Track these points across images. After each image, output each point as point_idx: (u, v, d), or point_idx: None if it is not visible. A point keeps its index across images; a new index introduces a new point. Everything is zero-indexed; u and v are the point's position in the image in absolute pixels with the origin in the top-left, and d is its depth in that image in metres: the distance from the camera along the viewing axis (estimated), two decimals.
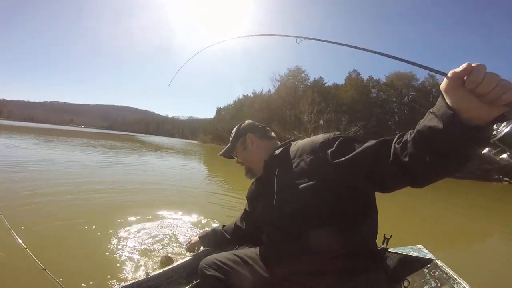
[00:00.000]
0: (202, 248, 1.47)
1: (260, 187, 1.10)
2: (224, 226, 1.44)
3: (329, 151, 0.82)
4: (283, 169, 0.94)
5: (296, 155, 0.92)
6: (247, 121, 1.20)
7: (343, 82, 42.50)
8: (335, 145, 0.81)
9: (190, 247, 1.50)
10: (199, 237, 1.49)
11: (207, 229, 1.48)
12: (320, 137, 0.90)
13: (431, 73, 40.25)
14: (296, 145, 0.98)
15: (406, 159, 0.61)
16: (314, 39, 0.92)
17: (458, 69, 0.49)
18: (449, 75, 0.51)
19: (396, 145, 0.66)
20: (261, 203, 1.05)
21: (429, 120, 0.57)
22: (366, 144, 0.75)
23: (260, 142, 1.10)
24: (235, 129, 1.19)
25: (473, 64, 0.48)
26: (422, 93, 38.14)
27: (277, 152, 1.01)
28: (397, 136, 0.68)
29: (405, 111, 39.01)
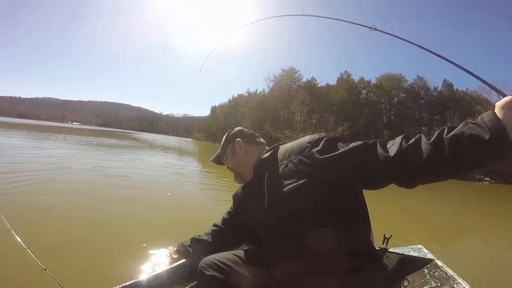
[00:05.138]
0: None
1: (250, 190, 1.10)
2: (199, 235, 1.37)
3: (315, 149, 0.84)
4: (272, 172, 0.96)
5: (284, 157, 0.94)
6: (236, 128, 1.23)
7: (336, 83, 43.65)
8: (321, 144, 0.85)
9: (173, 261, 1.42)
10: (177, 252, 1.41)
11: (185, 241, 1.40)
12: (306, 138, 0.92)
13: (420, 75, 41.87)
14: (284, 147, 1.00)
15: (421, 161, 0.64)
16: (386, 32, 0.92)
17: None
18: None
19: (404, 144, 0.69)
20: (253, 206, 1.04)
21: (470, 129, 0.60)
22: (353, 144, 0.79)
23: (248, 147, 1.13)
24: (225, 135, 1.22)
25: None
26: (411, 95, 39.35)
27: (265, 155, 1.04)
28: (401, 137, 0.72)
29: (393, 112, 40.29)
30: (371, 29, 1.04)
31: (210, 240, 1.30)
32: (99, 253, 2.21)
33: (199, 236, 1.37)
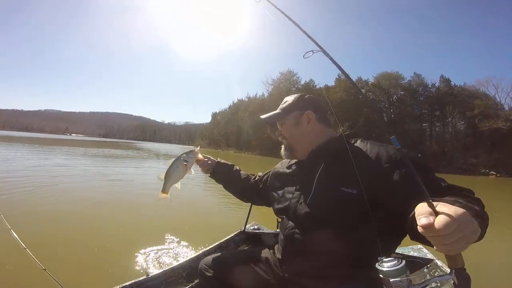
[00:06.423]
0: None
1: (295, 174, 1.00)
2: (242, 173, 1.30)
3: (398, 172, 0.75)
4: (331, 167, 0.86)
5: (353, 159, 0.80)
6: (309, 95, 1.05)
7: (334, 83, 43.97)
8: (406, 166, 0.70)
9: (205, 165, 1.24)
10: (217, 162, 1.26)
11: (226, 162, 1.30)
12: (389, 150, 0.81)
13: (417, 72, 41.91)
14: (356, 148, 0.87)
15: None
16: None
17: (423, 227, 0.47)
18: (423, 222, 0.48)
19: None
20: (290, 193, 0.97)
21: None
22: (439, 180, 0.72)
23: (316, 124, 0.97)
24: (294, 98, 1.03)
25: (439, 228, 0.46)
26: (409, 92, 39.51)
27: (330, 145, 0.92)
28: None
29: (393, 110, 40.48)
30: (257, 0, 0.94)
31: (243, 184, 1.26)
32: (99, 253, 2.23)
33: (241, 173, 1.30)
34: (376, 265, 0.63)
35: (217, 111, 67.47)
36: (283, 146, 1.04)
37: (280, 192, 1.04)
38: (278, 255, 0.98)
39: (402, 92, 40.37)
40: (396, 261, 0.62)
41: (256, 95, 53.33)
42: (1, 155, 9.79)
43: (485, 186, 15.73)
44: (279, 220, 1.54)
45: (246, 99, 54.88)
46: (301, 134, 0.98)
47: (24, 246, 1.32)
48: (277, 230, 1.65)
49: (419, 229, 0.48)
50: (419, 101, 39.42)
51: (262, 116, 1.07)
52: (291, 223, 0.93)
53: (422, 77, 39.99)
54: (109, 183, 5.57)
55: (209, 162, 1.24)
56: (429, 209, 0.49)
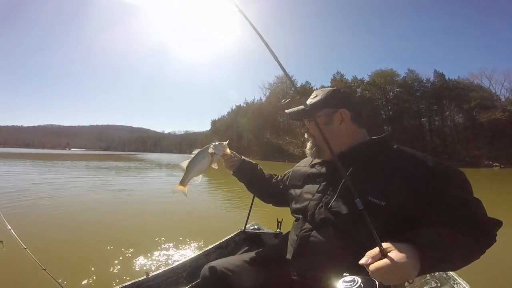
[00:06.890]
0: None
1: (322, 175, 0.94)
2: (265, 172, 1.27)
3: (436, 190, 0.70)
4: (360, 173, 0.79)
5: (385, 167, 0.75)
6: (343, 90, 0.97)
7: (330, 84, 44.32)
8: (454, 187, 0.70)
9: (231, 161, 1.18)
10: (242, 159, 1.22)
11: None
12: (428, 161, 0.75)
13: (411, 68, 41.97)
14: (391, 153, 0.82)
15: None
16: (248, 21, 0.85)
17: (367, 262, 0.58)
18: (360, 262, 0.59)
19: None
20: (310, 194, 0.92)
21: None
22: (477, 203, 0.71)
23: (350, 125, 0.89)
24: (326, 92, 0.93)
25: (374, 270, 0.57)
26: (405, 88, 39.78)
27: (364, 148, 0.86)
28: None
29: (390, 107, 40.70)
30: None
31: (266, 183, 1.23)
32: (99, 253, 2.26)
33: (264, 172, 1.28)
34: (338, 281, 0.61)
35: (216, 118, 68.42)
36: (309, 144, 0.97)
37: (298, 191, 1.00)
38: (288, 256, 0.93)
39: (398, 89, 40.67)
40: (350, 283, 0.59)
41: (254, 100, 53.94)
42: (5, 170, 10.05)
43: (489, 178, 15.17)
44: (280, 220, 1.64)
45: (244, 105, 55.44)
46: (333, 134, 0.88)
47: (24, 246, 1.31)
48: (278, 230, 1.69)
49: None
50: (415, 96, 39.69)
51: (287, 111, 0.99)
52: (307, 225, 0.89)
53: (416, 73, 40.45)
54: (110, 192, 5.73)
55: (235, 158, 1.19)
56: (377, 253, 0.59)
